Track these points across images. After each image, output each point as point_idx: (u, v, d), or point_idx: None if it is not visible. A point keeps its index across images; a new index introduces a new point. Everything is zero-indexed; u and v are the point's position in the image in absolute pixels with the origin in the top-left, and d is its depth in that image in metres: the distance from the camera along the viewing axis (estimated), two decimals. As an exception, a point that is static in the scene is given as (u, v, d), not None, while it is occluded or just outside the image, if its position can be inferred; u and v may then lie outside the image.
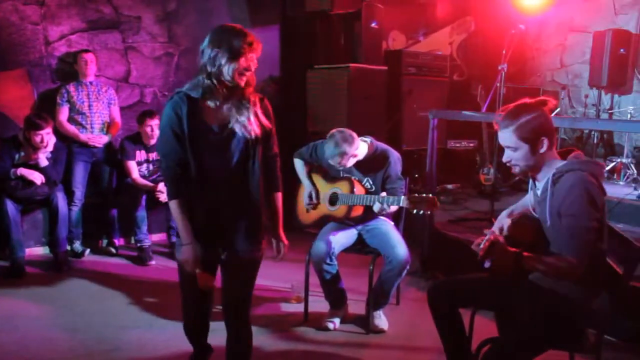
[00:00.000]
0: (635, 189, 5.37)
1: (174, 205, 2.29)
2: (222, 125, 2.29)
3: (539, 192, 2.36)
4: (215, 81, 2.23)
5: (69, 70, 5.21)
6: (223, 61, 2.20)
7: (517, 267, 2.21)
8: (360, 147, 3.52)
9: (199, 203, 2.32)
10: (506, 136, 2.28)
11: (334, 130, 3.50)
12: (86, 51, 5.14)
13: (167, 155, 2.29)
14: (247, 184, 2.38)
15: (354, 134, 3.48)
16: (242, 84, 2.27)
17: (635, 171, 5.84)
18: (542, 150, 2.26)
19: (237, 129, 2.29)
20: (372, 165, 3.61)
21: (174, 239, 5.04)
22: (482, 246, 2.20)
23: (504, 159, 2.35)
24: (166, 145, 2.28)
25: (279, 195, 2.52)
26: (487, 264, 2.20)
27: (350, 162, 3.51)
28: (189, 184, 2.29)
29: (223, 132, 2.29)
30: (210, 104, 2.27)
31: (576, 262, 2.12)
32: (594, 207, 2.14)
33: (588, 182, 2.17)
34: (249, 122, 2.29)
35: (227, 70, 2.22)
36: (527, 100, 2.33)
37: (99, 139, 5.07)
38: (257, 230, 2.44)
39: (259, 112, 2.34)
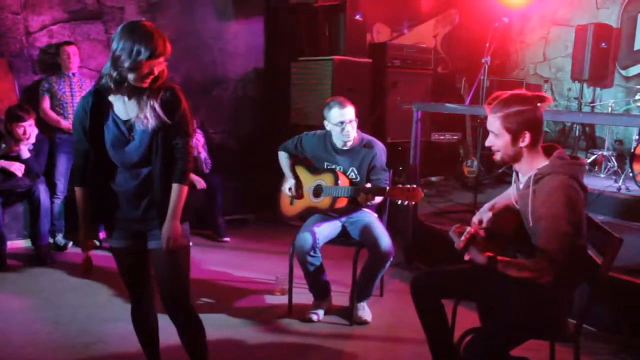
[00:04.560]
0: (616, 181, 5.44)
1: (76, 191, 2.44)
2: (129, 118, 2.32)
3: (521, 186, 2.39)
4: (129, 75, 2.22)
5: (50, 61, 5.14)
6: (144, 58, 2.17)
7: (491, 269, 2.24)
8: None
9: (112, 194, 2.42)
10: (492, 121, 2.31)
11: (329, 100, 3.63)
12: (68, 43, 5.06)
13: (74, 144, 2.42)
14: (152, 175, 2.38)
15: None
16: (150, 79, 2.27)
17: (615, 164, 5.91)
18: (522, 144, 2.28)
19: (138, 122, 2.30)
20: (358, 155, 3.63)
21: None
22: (462, 238, 2.22)
23: (487, 143, 2.38)
24: (74, 136, 2.41)
25: (176, 187, 2.38)
26: (467, 257, 2.23)
27: (353, 130, 3.56)
28: (98, 175, 2.39)
29: (126, 124, 2.33)
30: (118, 96, 2.31)
31: (549, 266, 2.15)
32: (572, 211, 2.16)
33: (568, 187, 2.18)
34: (145, 115, 2.29)
35: (143, 68, 2.20)
36: (525, 92, 2.34)
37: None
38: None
39: (156, 104, 2.29)
